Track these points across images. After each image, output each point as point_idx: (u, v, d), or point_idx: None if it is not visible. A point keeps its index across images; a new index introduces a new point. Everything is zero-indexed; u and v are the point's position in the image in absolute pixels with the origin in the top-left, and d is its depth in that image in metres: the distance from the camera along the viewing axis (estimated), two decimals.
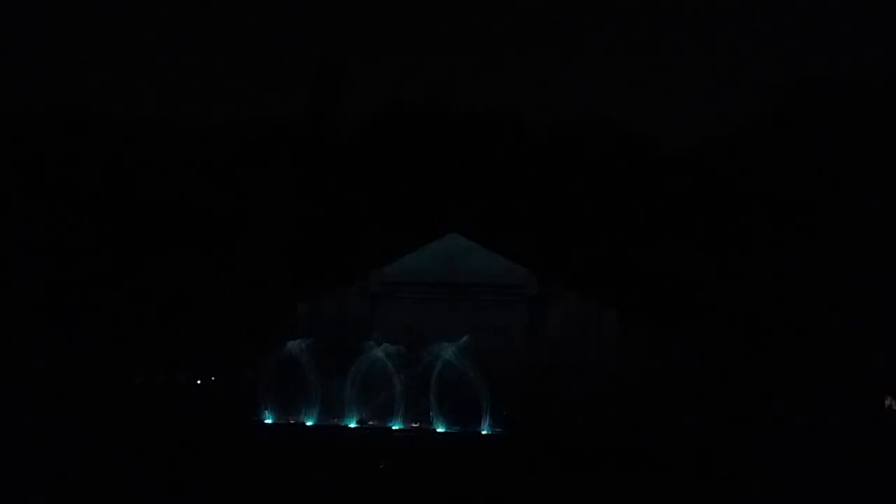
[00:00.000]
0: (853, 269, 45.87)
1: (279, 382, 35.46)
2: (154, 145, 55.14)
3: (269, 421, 35.18)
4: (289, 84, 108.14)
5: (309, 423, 34.93)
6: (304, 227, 52.06)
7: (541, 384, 39.28)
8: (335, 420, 34.97)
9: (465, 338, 35.42)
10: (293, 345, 36.02)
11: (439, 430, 34.06)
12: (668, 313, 46.03)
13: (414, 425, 34.54)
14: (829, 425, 28.22)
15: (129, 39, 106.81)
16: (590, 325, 43.01)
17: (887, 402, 38.78)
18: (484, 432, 33.77)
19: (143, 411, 36.40)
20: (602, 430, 32.56)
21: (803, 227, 47.48)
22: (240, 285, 48.29)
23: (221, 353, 45.20)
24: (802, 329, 44.28)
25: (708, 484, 24.55)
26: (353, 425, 34.72)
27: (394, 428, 34.32)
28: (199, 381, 45.91)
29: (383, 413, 35.16)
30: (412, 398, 35.00)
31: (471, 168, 53.74)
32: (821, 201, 47.90)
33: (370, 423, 34.93)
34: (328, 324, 42.20)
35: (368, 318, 42.85)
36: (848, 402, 35.06)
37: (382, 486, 25.37)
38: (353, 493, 24.20)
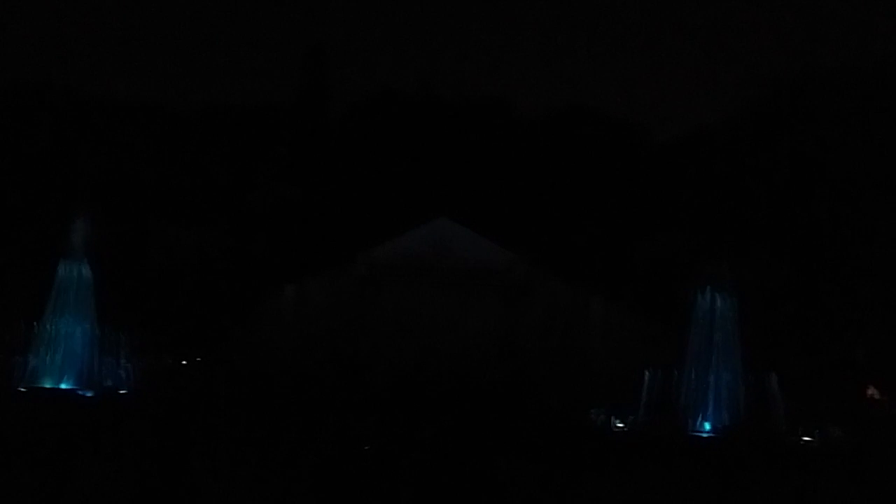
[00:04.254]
0: (841, 264, 46.02)
1: None
2: (142, 127, 54.89)
3: None
4: (279, 68, 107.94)
5: None
6: (293, 208, 51.96)
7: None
8: None
9: None
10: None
11: None
12: (657, 303, 46.02)
13: None
14: (816, 412, 28.59)
15: (119, 20, 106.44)
16: (576, 311, 43.14)
17: (869, 392, 39.69)
18: None
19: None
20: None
21: (794, 219, 47.57)
22: (228, 265, 48.15)
23: (210, 333, 45.06)
24: (791, 321, 44.42)
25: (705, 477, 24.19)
26: None
27: None
28: (184, 362, 45.73)
29: None
30: None
31: (461, 153, 53.75)
32: (811, 193, 48.00)
33: None
34: (315, 305, 42.25)
35: (355, 301, 42.90)
36: (833, 392, 35.45)
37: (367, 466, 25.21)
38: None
